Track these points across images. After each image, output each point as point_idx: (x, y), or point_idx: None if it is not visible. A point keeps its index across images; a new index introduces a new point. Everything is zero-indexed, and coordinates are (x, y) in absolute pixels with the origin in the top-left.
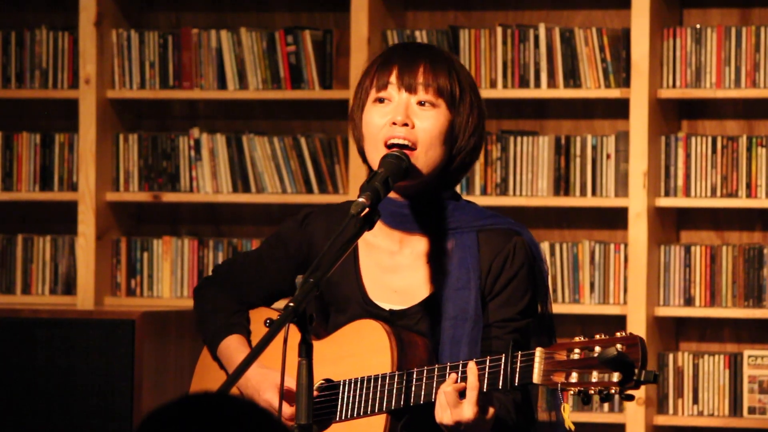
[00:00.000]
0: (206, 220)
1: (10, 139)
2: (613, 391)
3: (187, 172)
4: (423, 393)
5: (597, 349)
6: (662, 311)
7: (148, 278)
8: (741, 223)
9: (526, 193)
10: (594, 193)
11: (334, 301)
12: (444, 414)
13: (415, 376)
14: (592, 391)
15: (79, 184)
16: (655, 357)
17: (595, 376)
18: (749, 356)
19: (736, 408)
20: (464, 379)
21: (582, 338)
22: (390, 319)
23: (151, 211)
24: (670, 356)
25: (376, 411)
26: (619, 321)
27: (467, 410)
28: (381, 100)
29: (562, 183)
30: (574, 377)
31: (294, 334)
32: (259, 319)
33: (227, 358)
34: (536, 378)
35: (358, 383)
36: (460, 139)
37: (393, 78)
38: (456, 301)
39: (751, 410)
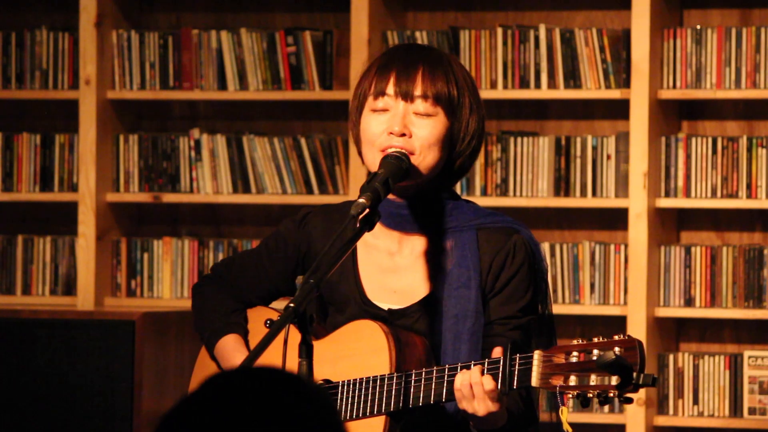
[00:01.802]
0: (206, 221)
1: (10, 139)
2: (611, 394)
3: (187, 172)
4: (422, 395)
5: (595, 352)
6: (662, 312)
7: (149, 279)
8: (741, 223)
9: (527, 193)
10: (594, 193)
11: (333, 301)
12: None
13: (413, 377)
14: (591, 395)
15: (80, 184)
16: (655, 358)
17: (593, 380)
18: (749, 357)
19: (736, 409)
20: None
21: (580, 341)
22: (389, 318)
23: (152, 212)
24: (671, 357)
25: (375, 413)
26: (620, 322)
27: (481, 406)
28: (380, 109)
29: (562, 184)
30: (572, 380)
31: (294, 335)
32: (257, 318)
33: (224, 358)
34: (534, 381)
35: (357, 384)
36: (459, 144)
37: (390, 87)
38: (457, 300)
39: (752, 411)
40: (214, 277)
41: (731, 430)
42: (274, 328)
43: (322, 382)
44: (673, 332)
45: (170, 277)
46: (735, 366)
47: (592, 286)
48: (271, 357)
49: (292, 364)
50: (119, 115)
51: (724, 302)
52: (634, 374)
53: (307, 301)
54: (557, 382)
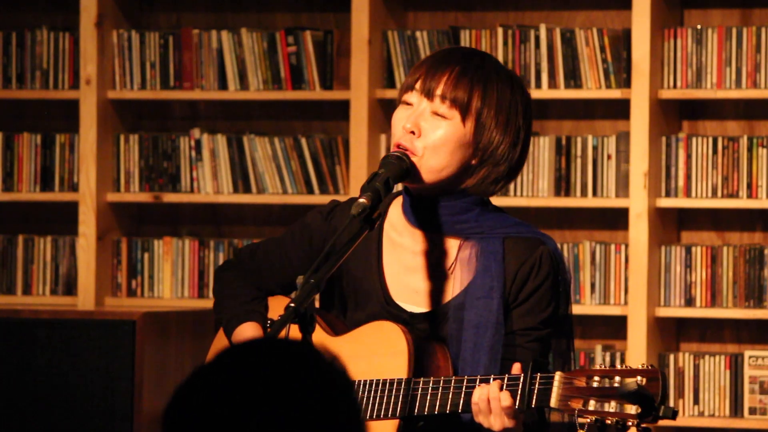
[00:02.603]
0: (207, 221)
1: (10, 139)
2: (630, 423)
3: (187, 172)
4: (438, 403)
5: (617, 378)
6: (663, 312)
7: (149, 279)
8: (742, 223)
9: (527, 193)
10: (595, 193)
11: (354, 296)
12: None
13: (431, 384)
14: (609, 421)
15: (80, 184)
16: (655, 357)
17: (613, 407)
18: (750, 357)
19: (736, 408)
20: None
21: (603, 366)
22: (410, 321)
23: (152, 212)
24: (671, 357)
25: (389, 415)
26: (620, 322)
27: (497, 422)
28: (407, 103)
29: (562, 183)
30: (591, 405)
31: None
32: (276, 306)
33: None
34: (554, 402)
35: (374, 385)
36: (481, 153)
37: (418, 83)
38: (479, 309)
39: (752, 411)
40: (237, 262)
41: (732, 430)
42: (274, 329)
43: None
44: (674, 332)
45: (171, 277)
46: (735, 366)
47: (593, 286)
48: None
49: None
50: (120, 115)
51: (725, 302)
52: (656, 405)
53: (308, 302)
54: (576, 405)
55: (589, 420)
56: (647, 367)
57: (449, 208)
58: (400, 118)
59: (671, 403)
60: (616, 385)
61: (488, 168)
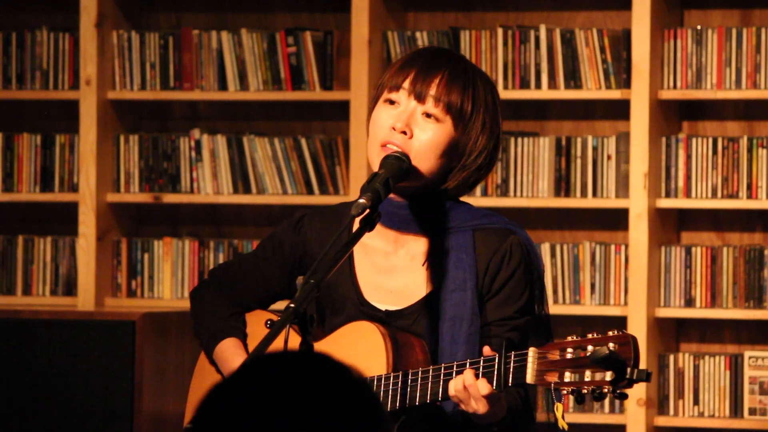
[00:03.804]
0: (207, 221)
1: (10, 140)
2: (606, 390)
3: (187, 173)
4: (419, 394)
5: (590, 348)
6: (663, 312)
7: (149, 279)
8: (741, 224)
9: (527, 194)
10: (595, 194)
11: (330, 303)
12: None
13: (410, 377)
14: (585, 390)
15: (80, 185)
16: (655, 358)
17: (588, 375)
18: (750, 357)
19: (736, 409)
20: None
21: (575, 337)
22: (386, 319)
23: (152, 212)
24: (671, 357)
25: None
26: (620, 322)
27: (480, 405)
28: (391, 102)
29: (562, 184)
30: (567, 376)
31: (293, 336)
32: (255, 321)
33: (223, 361)
34: (530, 378)
35: None
36: (465, 158)
37: (407, 83)
38: (453, 302)
39: (752, 411)
40: (212, 281)
41: (732, 430)
42: (275, 329)
43: None
44: (674, 332)
45: (170, 278)
46: (735, 366)
47: (593, 286)
48: None
49: None
50: (120, 115)
51: (725, 302)
52: (629, 369)
53: (308, 302)
54: (552, 378)
55: (565, 391)
56: (618, 333)
57: (421, 207)
58: (388, 115)
59: (672, 404)
60: (588, 354)
61: (469, 172)
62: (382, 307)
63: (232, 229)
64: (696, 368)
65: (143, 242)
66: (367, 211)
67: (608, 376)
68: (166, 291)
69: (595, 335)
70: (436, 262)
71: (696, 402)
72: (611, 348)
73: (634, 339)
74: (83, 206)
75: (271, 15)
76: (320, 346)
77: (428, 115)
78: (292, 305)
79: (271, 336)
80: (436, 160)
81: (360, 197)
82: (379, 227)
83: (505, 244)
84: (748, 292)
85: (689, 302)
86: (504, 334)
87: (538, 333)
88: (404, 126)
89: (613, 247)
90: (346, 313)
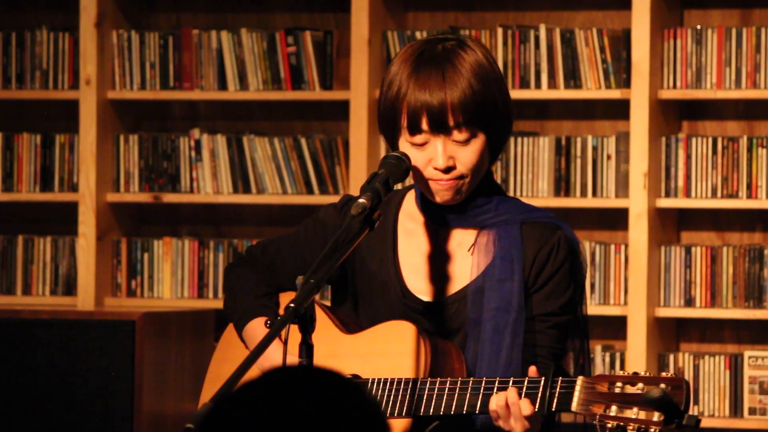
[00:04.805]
0: (207, 221)
1: (10, 139)
2: (652, 430)
3: (187, 172)
4: (455, 404)
5: (640, 385)
6: (663, 312)
7: (149, 279)
8: (741, 223)
9: (527, 193)
10: (594, 193)
11: (369, 289)
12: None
13: (448, 385)
14: (631, 428)
15: (80, 184)
16: (655, 358)
17: (635, 413)
18: (750, 357)
19: (736, 409)
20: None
21: (625, 372)
22: (426, 310)
23: (152, 212)
24: (671, 357)
25: (404, 414)
26: (620, 322)
27: (518, 425)
28: (418, 144)
29: (562, 184)
30: (613, 410)
31: (293, 336)
32: (288, 303)
33: (252, 339)
34: (575, 406)
35: (387, 384)
36: (499, 146)
37: (425, 124)
38: (499, 292)
39: (752, 411)
40: (249, 258)
41: (731, 430)
42: (275, 329)
43: (350, 376)
44: (674, 332)
45: (170, 278)
46: (735, 366)
47: (593, 286)
48: (293, 349)
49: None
50: (119, 115)
51: (725, 302)
52: (686, 415)
53: (308, 302)
54: (598, 410)
55: (610, 425)
56: (671, 375)
57: (468, 200)
58: (423, 156)
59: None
60: (639, 391)
61: (496, 155)
62: (424, 298)
63: (232, 228)
64: (696, 368)
65: (143, 242)
66: (368, 210)
67: (656, 416)
68: (165, 291)
69: (647, 373)
70: (482, 253)
71: (696, 402)
72: (664, 389)
73: (687, 384)
74: (83, 206)
75: (270, 15)
76: (356, 339)
77: (459, 141)
78: (292, 305)
79: (271, 336)
80: (485, 163)
81: (360, 197)
82: (425, 219)
83: (552, 238)
84: (748, 291)
85: (689, 302)
86: (546, 329)
87: (576, 333)
88: (446, 163)
89: (613, 247)
90: (385, 300)
